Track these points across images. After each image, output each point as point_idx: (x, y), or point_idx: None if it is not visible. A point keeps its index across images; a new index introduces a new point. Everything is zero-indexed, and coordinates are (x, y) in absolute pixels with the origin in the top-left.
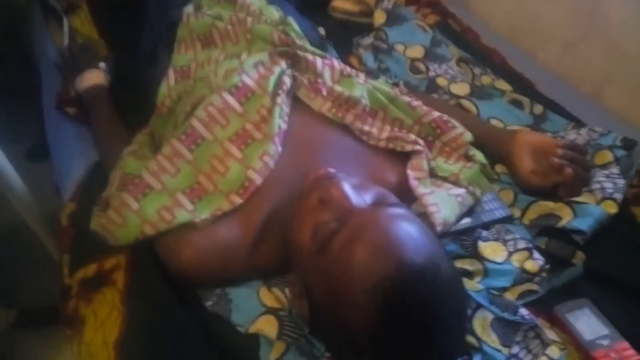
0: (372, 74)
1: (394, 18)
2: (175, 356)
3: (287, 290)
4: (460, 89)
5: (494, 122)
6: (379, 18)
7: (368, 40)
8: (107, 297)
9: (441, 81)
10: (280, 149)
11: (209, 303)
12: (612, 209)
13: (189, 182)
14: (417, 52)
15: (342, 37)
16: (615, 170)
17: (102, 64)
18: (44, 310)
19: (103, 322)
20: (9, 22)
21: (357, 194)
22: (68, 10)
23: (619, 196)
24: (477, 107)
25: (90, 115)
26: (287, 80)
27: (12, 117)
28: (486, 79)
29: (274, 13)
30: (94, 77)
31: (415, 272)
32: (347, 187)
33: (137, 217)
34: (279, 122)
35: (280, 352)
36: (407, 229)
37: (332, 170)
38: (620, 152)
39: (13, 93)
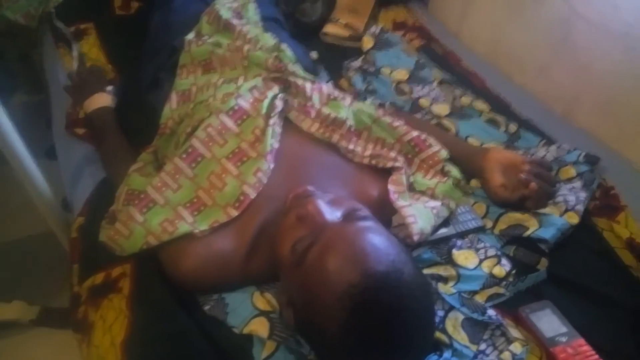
0: (360, 95)
1: (381, 43)
2: (176, 355)
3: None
4: (441, 109)
5: (471, 140)
6: (367, 43)
7: (357, 63)
8: (114, 303)
9: (424, 102)
10: (272, 165)
11: (207, 307)
12: (573, 219)
13: (189, 197)
14: (402, 74)
15: (333, 60)
16: (577, 184)
17: (109, 87)
18: (63, 311)
19: (110, 326)
20: (23, 48)
21: (330, 210)
22: (77, 35)
23: (580, 208)
24: (456, 126)
25: (98, 136)
26: (279, 104)
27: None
28: (465, 100)
29: (270, 40)
30: (101, 100)
31: (378, 279)
32: (321, 204)
33: (143, 229)
34: (272, 141)
35: (271, 350)
36: (371, 241)
37: (310, 188)
38: (583, 168)
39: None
